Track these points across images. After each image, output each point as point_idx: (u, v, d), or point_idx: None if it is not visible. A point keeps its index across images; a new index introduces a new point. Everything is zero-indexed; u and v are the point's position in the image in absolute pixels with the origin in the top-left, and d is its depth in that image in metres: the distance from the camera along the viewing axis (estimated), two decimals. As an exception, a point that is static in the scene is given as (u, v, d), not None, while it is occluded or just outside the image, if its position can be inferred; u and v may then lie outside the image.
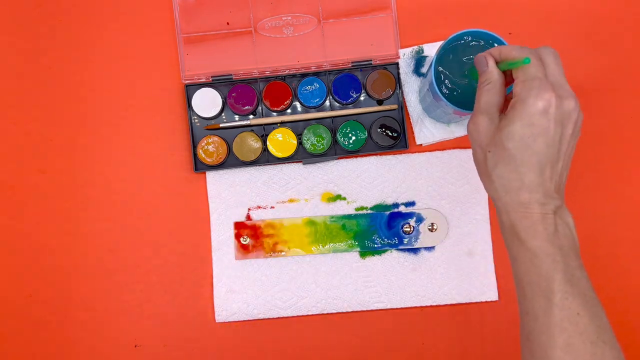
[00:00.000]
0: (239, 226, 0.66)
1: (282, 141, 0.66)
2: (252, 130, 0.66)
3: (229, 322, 0.66)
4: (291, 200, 0.67)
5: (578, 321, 0.44)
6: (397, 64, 0.66)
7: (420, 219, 0.66)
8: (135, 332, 0.66)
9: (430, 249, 0.67)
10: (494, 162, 0.46)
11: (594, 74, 0.67)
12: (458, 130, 0.66)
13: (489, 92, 0.47)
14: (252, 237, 0.66)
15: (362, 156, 0.67)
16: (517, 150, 0.44)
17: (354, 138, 0.66)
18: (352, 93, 0.66)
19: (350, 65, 0.66)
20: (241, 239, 0.66)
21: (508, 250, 0.47)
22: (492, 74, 0.48)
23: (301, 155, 0.67)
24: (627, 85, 0.67)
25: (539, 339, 0.45)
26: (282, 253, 0.66)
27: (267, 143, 0.66)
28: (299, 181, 0.67)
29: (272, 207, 0.67)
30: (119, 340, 0.66)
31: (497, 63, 0.49)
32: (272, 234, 0.66)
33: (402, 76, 0.67)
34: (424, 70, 0.66)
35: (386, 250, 0.66)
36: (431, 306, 0.67)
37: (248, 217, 0.67)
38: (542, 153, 0.44)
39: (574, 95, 0.45)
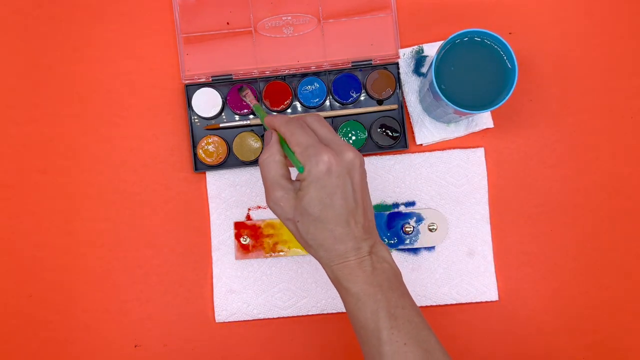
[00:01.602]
0: (239, 226, 0.66)
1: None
2: (252, 130, 0.66)
3: (229, 322, 0.66)
4: (291, 200, 0.67)
5: (406, 351, 0.46)
6: (397, 63, 0.66)
7: (420, 219, 0.66)
8: (135, 332, 0.66)
9: (430, 249, 0.67)
10: (305, 229, 0.48)
11: (594, 74, 0.67)
12: (458, 130, 0.66)
13: (271, 166, 0.49)
14: (252, 237, 0.66)
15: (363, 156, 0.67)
16: (320, 213, 0.47)
17: (354, 138, 0.66)
18: (352, 93, 0.66)
19: (350, 65, 0.66)
20: (241, 239, 0.66)
21: (342, 301, 0.50)
22: (273, 147, 0.50)
23: (301, 155, 0.67)
24: (627, 85, 0.67)
25: None
26: (282, 253, 0.66)
27: (267, 143, 0.66)
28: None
29: (272, 207, 0.67)
30: (119, 340, 0.66)
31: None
32: (272, 234, 0.66)
33: (402, 76, 0.67)
34: (424, 70, 0.66)
35: (386, 250, 0.66)
36: (431, 306, 0.67)
37: (248, 217, 0.67)
38: (342, 207, 0.47)
39: (349, 145, 0.49)
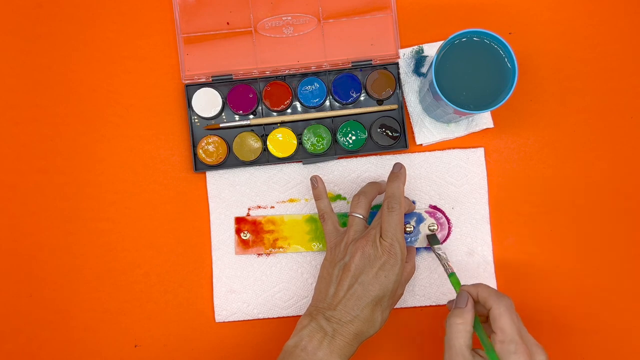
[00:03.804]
0: (239, 221, 0.66)
1: (282, 141, 0.66)
2: (252, 130, 0.66)
3: (229, 321, 0.66)
4: (291, 200, 0.67)
5: None
6: (397, 63, 0.66)
7: (420, 219, 0.66)
8: (135, 332, 0.66)
9: (430, 248, 0.67)
10: None
11: (594, 74, 0.67)
12: (458, 130, 0.66)
13: (461, 334, 0.51)
14: (252, 232, 0.66)
15: (362, 156, 0.67)
16: None
17: (354, 138, 0.66)
18: (352, 93, 0.66)
19: (350, 65, 0.66)
20: (242, 234, 0.66)
21: None
22: (467, 316, 0.51)
23: (301, 155, 0.67)
24: (628, 85, 0.67)
25: None
26: (282, 249, 0.66)
27: (267, 143, 0.66)
28: (299, 181, 0.67)
29: (272, 207, 0.67)
30: (119, 340, 0.66)
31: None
32: (272, 230, 0.66)
33: (402, 76, 0.67)
34: (424, 70, 0.66)
35: (386, 250, 0.66)
36: (431, 306, 0.67)
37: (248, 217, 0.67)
38: None
39: (540, 346, 0.51)
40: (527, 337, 0.51)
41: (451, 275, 0.57)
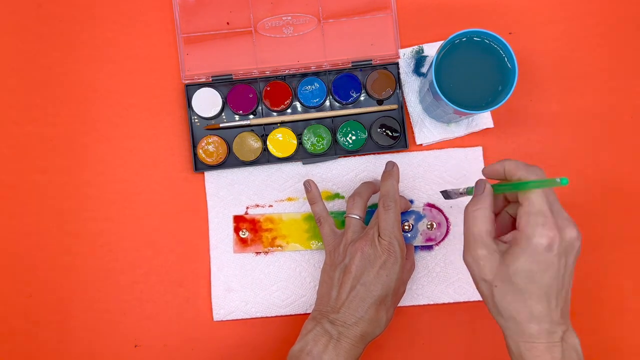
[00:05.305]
0: (238, 220, 0.66)
1: (282, 141, 0.66)
2: (252, 130, 0.66)
3: (227, 320, 0.66)
4: (289, 199, 0.67)
5: None
6: (397, 63, 0.66)
7: (419, 218, 0.66)
8: (135, 332, 0.66)
9: (428, 247, 0.67)
10: (501, 296, 0.47)
11: (594, 74, 0.67)
12: (458, 130, 0.66)
13: (479, 220, 0.48)
14: (251, 230, 0.66)
15: (361, 155, 0.67)
16: (524, 285, 0.46)
17: (354, 138, 0.66)
18: (352, 93, 0.66)
19: (350, 65, 0.66)
20: (240, 233, 0.66)
21: None
22: (485, 200, 0.49)
23: (301, 155, 0.67)
24: (628, 85, 0.67)
25: None
26: (280, 248, 0.66)
27: (267, 143, 0.66)
28: (297, 180, 0.67)
29: (270, 206, 0.67)
30: (119, 340, 0.66)
31: (497, 184, 0.49)
32: (271, 229, 0.66)
33: (402, 76, 0.67)
34: (424, 70, 0.66)
35: (386, 250, 0.66)
36: (429, 304, 0.67)
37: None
38: (549, 285, 0.46)
39: (573, 221, 0.47)
40: (559, 211, 0.47)
41: (469, 189, 0.54)
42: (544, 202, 0.46)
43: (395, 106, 0.66)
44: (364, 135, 0.66)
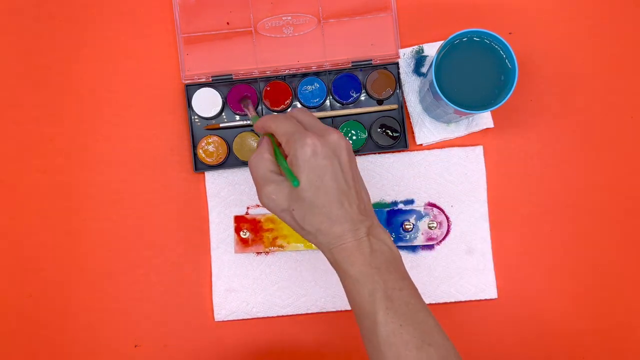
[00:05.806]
0: (239, 220, 0.66)
1: (282, 141, 0.66)
2: (252, 130, 0.66)
3: (228, 320, 0.67)
4: (290, 199, 0.67)
5: (402, 332, 0.47)
6: (397, 63, 0.66)
7: (419, 217, 0.66)
8: (135, 332, 0.66)
9: (429, 247, 0.67)
10: (300, 216, 0.48)
11: (594, 74, 0.67)
12: (458, 130, 0.66)
13: (260, 164, 0.50)
14: (252, 231, 0.66)
15: (361, 155, 0.67)
16: (313, 197, 0.47)
17: (354, 138, 0.66)
18: (352, 93, 0.66)
19: (350, 65, 0.66)
20: (241, 233, 0.66)
21: (342, 284, 0.50)
22: (262, 147, 0.51)
23: (301, 155, 0.67)
24: (627, 85, 0.67)
25: (374, 358, 0.48)
26: (281, 248, 0.66)
27: (268, 143, 0.66)
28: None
29: (271, 206, 0.67)
30: (119, 340, 0.66)
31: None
32: (272, 229, 0.66)
33: (402, 76, 0.67)
34: (424, 70, 0.66)
35: (386, 249, 0.66)
36: (430, 304, 0.67)
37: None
38: (333, 187, 0.48)
39: (333, 129, 0.49)
40: (314, 124, 0.50)
41: (253, 117, 0.56)
42: (290, 125, 0.49)
43: (395, 106, 0.66)
44: (364, 135, 0.66)
